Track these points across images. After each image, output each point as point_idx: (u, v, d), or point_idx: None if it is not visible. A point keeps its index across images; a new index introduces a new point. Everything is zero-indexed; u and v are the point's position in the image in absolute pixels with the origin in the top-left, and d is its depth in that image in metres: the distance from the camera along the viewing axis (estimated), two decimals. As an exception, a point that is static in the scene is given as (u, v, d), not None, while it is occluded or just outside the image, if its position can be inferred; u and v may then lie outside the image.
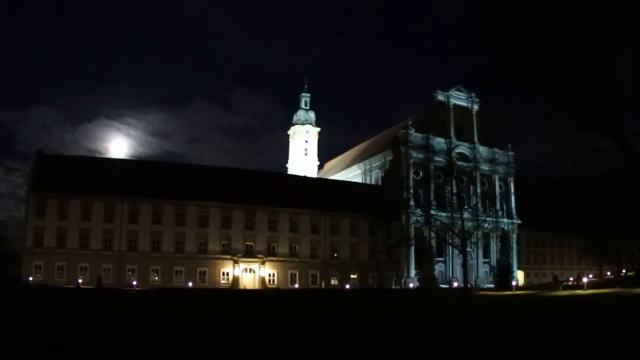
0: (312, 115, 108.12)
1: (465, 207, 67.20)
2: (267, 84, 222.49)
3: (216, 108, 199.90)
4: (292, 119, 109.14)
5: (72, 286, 48.60)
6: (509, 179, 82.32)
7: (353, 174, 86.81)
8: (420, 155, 74.22)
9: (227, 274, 61.89)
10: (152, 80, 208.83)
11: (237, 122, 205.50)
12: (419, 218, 69.58)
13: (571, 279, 66.02)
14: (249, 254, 63.05)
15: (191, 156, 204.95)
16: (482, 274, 75.11)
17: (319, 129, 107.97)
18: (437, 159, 72.23)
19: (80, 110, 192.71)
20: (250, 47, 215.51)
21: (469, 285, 58.76)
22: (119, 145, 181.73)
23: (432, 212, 65.68)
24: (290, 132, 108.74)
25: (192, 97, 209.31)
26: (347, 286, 60.42)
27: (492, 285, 70.18)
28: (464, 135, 79.32)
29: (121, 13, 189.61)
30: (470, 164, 77.22)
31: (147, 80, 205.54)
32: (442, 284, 68.70)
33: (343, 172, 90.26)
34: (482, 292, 53.19)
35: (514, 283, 62.39)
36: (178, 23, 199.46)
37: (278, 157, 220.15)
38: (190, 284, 56.56)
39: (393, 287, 66.83)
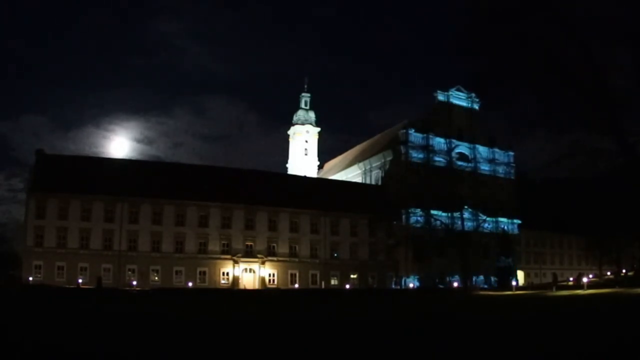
0: (312, 115, 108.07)
1: (465, 207, 67.18)
2: (244, 91, 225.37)
3: (194, 115, 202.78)
4: (292, 118, 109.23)
5: (72, 286, 48.56)
6: (509, 178, 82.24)
7: (353, 174, 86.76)
8: (420, 155, 74.07)
9: (227, 274, 61.87)
10: (132, 90, 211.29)
11: (214, 128, 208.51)
12: (419, 218, 69.52)
13: (571, 279, 66.03)
14: (249, 254, 63.02)
15: (175, 161, 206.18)
16: (482, 274, 74.97)
17: (319, 129, 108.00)
18: (437, 159, 72.11)
19: (68, 118, 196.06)
20: (230, 56, 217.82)
21: (468, 285, 58.75)
22: (108, 150, 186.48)
23: (432, 212, 65.66)
24: (290, 132, 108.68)
25: (170, 105, 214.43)
26: (347, 286, 60.42)
27: (492, 286, 70.11)
28: (464, 135, 79.30)
29: (102, 30, 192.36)
30: (470, 164, 77.17)
31: (128, 89, 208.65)
32: (442, 284, 68.61)
33: (343, 172, 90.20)
34: (482, 292, 53.14)
35: (514, 283, 62.34)
36: (153, 38, 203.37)
37: (260, 161, 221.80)
38: (190, 284, 56.57)
39: (393, 287, 66.82)
